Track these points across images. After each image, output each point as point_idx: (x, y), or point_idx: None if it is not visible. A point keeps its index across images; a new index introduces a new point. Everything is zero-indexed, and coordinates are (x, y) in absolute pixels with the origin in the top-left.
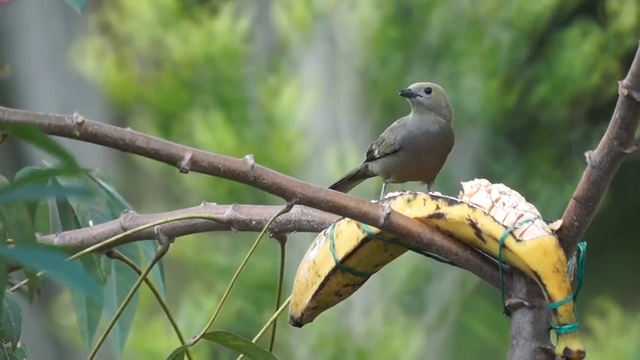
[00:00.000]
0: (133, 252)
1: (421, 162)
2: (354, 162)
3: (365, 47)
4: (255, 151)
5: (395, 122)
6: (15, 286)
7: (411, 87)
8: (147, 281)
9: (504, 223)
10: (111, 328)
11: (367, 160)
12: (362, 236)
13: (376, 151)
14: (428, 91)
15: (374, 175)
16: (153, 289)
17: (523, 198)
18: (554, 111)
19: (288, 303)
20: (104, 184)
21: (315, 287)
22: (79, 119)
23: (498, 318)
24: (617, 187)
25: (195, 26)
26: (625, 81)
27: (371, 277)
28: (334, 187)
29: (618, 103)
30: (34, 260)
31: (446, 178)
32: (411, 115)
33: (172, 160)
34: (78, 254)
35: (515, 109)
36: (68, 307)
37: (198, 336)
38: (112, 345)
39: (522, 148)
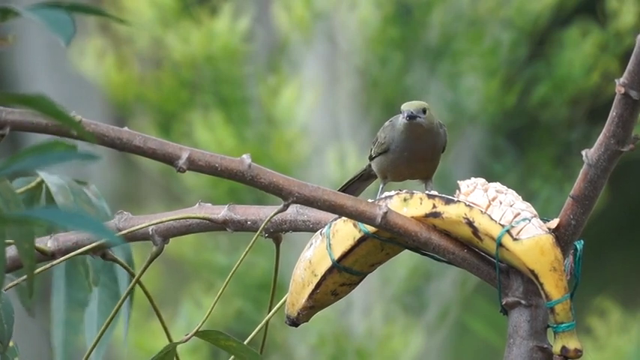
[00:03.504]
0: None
1: (410, 162)
2: (354, 162)
3: (365, 47)
4: (255, 150)
5: (387, 121)
6: (10, 284)
7: (412, 110)
8: (140, 284)
9: (501, 222)
10: (94, 347)
11: (370, 160)
12: (358, 235)
13: (372, 151)
14: (424, 111)
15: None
16: (146, 292)
17: (520, 197)
18: (554, 110)
19: (284, 303)
20: (95, 200)
21: (312, 287)
22: (77, 118)
23: (498, 318)
24: (617, 187)
25: (195, 26)
26: (622, 79)
27: (371, 276)
28: (343, 189)
29: (615, 101)
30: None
31: (445, 178)
32: (397, 120)
33: (169, 160)
34: (72, 254)
35: (515, 108)
36: None
37: (190, 334)
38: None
39: (522, 147)
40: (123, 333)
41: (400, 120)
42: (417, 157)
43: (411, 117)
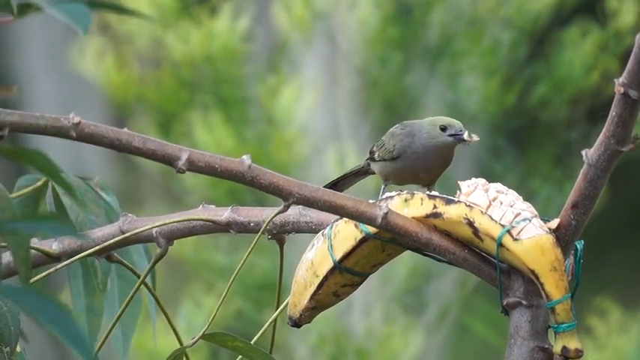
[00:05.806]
0: (127, 259)
1: (416, 174)
2: (354, 161)
3: (365, 47)
4: (255, 150)
5: (397, 127)
6: None
7: (460, 129)
8: (146, 285)
9: (501, 222)
10: (109, 333)
11: (369, 159)
12: (360, 236)
13: (376, 154)
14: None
15: (375, 174)
16: (152, 292)
17: (520, 197)
18: (553, 110)
19: (287, 304)
20: (102, 193)
21: (314, 288)
22: (76, 120)
23: (498, 318)
24: (617, 187)
25: (195, 26)
26: (621, 79)
27: (371, 276)
28: (337, 181)
29: (615, 101)
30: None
31: (446, 178)
32: (424, 133)
33: (169, 161)
34: (76, 257)
35: (515, 108)
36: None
37: (197, 337)
38: (114, 350)
39: (522, 147)
40: (152, 320)
41: (441, 135)
42: (427, 169)
43: (460, 139)
